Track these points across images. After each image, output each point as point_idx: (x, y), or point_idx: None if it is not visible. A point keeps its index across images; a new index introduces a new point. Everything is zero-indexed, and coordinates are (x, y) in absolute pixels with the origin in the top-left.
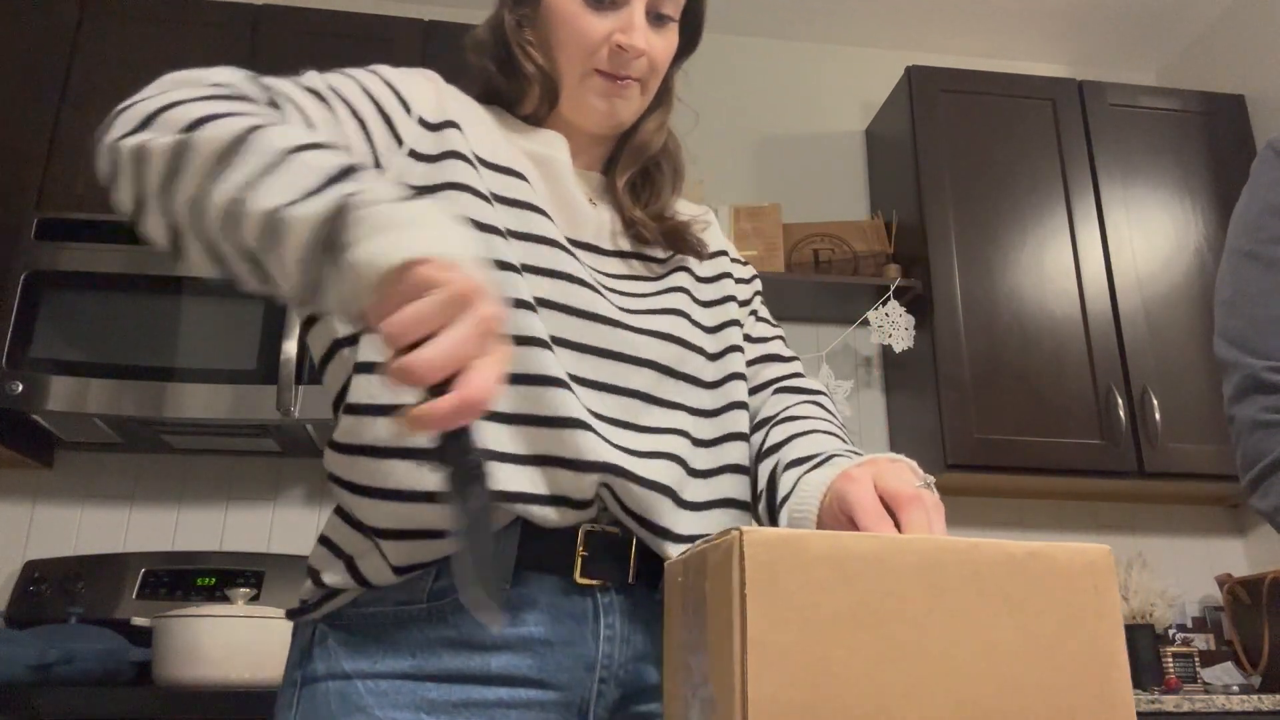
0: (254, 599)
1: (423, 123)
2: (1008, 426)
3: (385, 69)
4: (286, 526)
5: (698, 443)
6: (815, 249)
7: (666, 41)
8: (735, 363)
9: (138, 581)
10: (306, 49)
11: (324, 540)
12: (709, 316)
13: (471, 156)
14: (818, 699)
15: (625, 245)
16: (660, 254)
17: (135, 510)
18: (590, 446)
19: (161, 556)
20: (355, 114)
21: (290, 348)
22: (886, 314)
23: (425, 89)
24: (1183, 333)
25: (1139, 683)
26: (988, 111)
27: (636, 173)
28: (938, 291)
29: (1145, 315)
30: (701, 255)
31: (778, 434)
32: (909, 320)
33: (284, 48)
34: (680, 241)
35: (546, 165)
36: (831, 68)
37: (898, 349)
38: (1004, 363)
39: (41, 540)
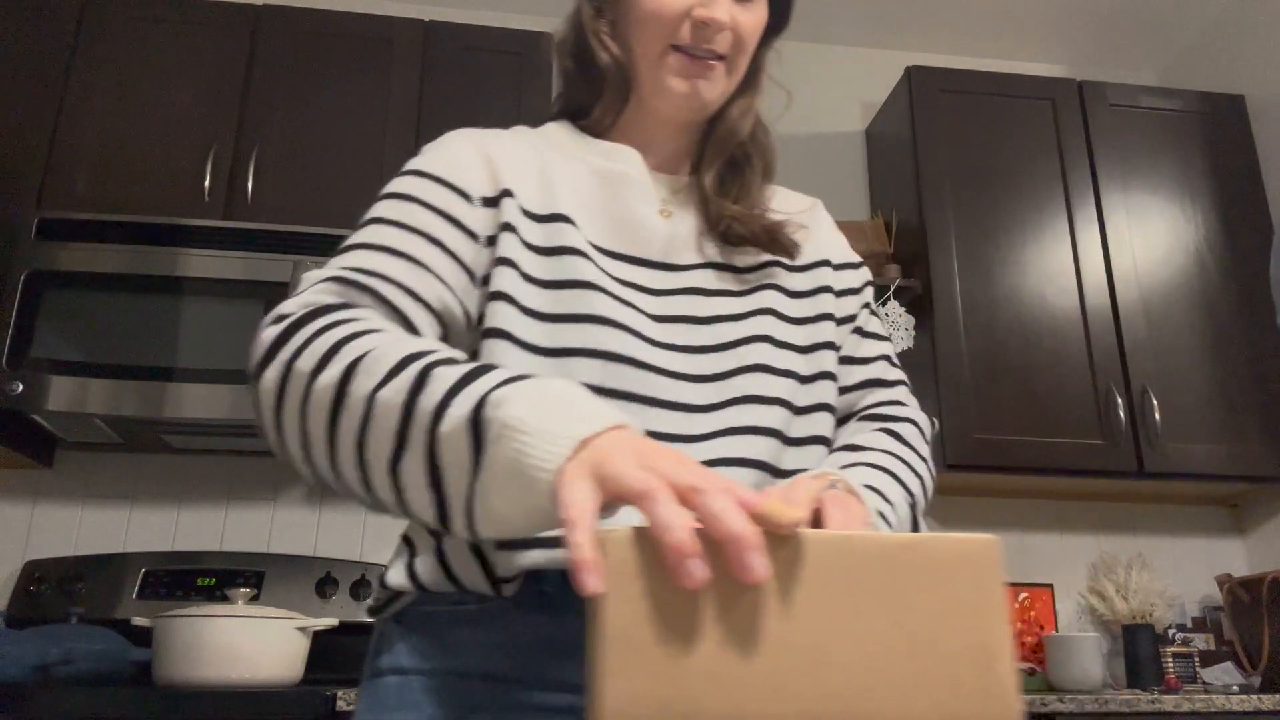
0: (254, 599)
1: (485, 201)
2: (1008, 426)
3: (433, 162)
4: (286, 526)
5: (778, 473)
6: None
7: (753, 16)
8: (824, 391)
9: (138, 581)
10: (306, 49)
11: (403, 537)
12: (802, 336)
13: (519, 220)
14: (675, 695)
15: (704, 257)
16: (747, 262)
17: (135, 510)
18: None
19: (161, 556)
20: (440, 245)
21: None
22: (886, 314)
23: (474, 163)
24: (1183, 332)
25: (1139, 683)
26: (988, 111)
27: (724, 165)
28: (938, 291)
29: (1145, 315)
30: (793, 257)
31: (829, 463)
32: (909, 320)
33: (284, 48)
34: (776, 242)
35: (616, 183)
36: (831, 68)
37: (898, 349)
38: (1004, 363)
39: (41, 540)
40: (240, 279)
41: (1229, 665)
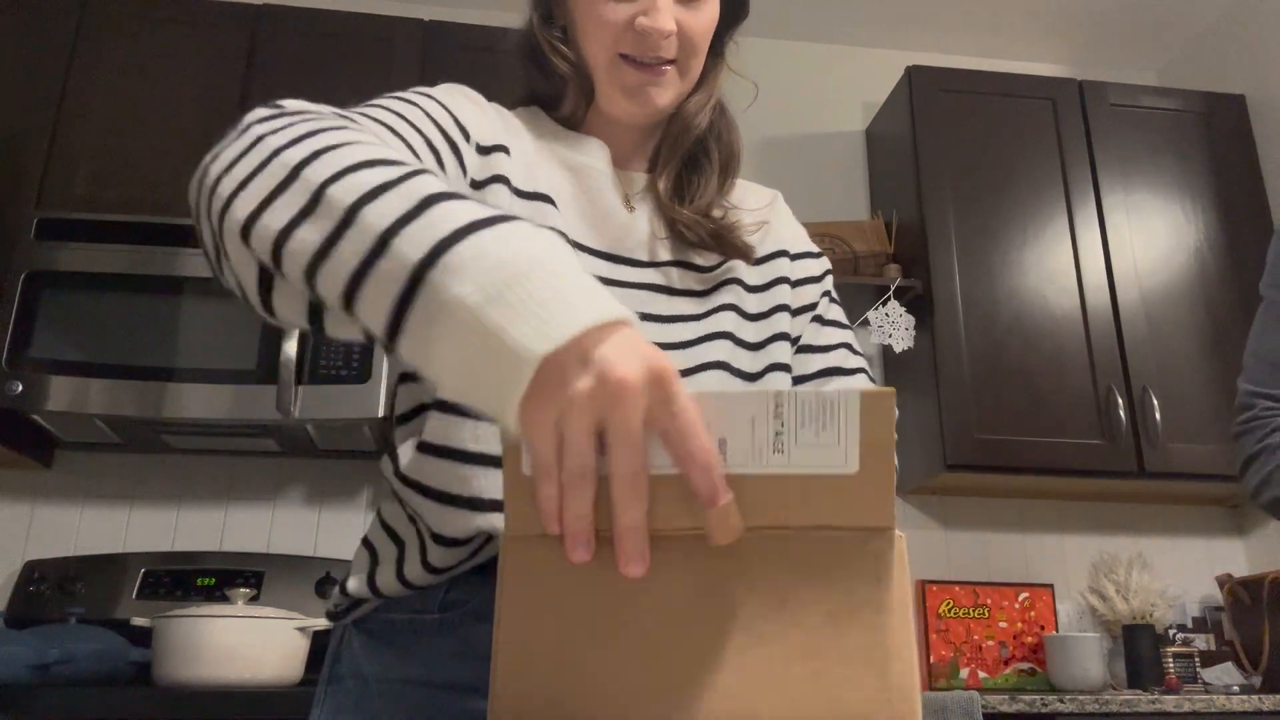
0: (254, 599)
1: (479, 148)
2: (1008, 426)
3: (441, 93)
4: (286, 526)
5: None
6: None
7: (701, 16)
8: (774, 383)
9: (138, 581)
10: (306, 49)
11: (364, 541)
12: (755, 332)
13: (510, 182)
14: (564, 699)
15: (668, 254)
16: (710, 260)
17: (135, 510)
18: None
19: (161, 556)
20: (430, 146)
21: (290, 348)
22: (886, 314)
23: (476, 113)
24: (1183, 332)
25: (1139, 683)
26: (988, 111)
27: (681, 164)
28: (938, 291)
29: (1145, 315)
30: (749, 259)
31: None
32: (909, 320)
33: (284, 48)
34: (727, 246)
35: (584, 175)
36: (831, 68)
37: (898, 349)
38: (1004, 363)
39: (41, 540)
40: None
41: (1229, 665)
